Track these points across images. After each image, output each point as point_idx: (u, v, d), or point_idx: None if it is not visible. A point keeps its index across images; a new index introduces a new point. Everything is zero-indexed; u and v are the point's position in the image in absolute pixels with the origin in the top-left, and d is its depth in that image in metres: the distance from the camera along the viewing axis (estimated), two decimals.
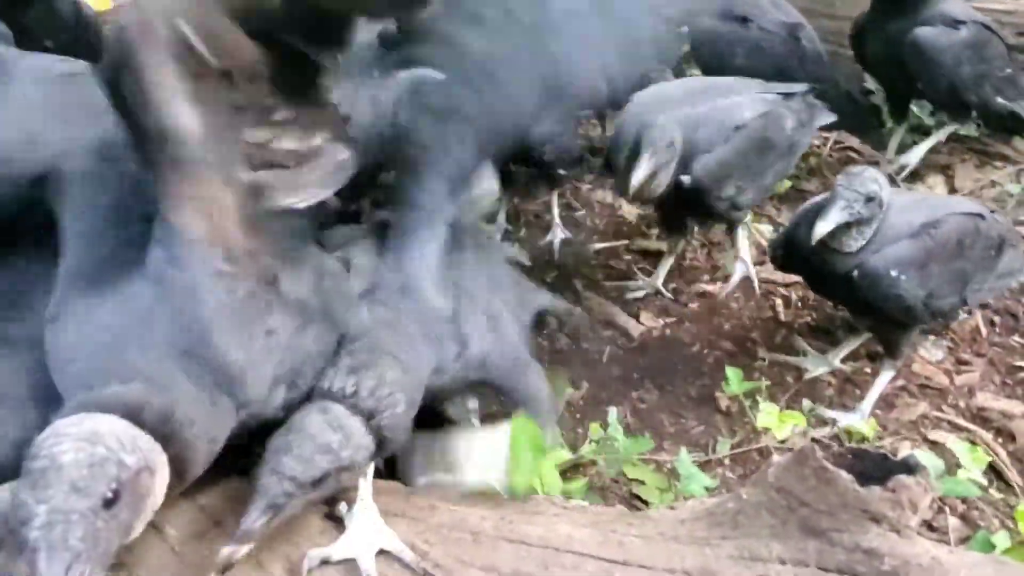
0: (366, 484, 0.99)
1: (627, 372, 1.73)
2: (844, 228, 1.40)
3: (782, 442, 1.52)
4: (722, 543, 0.97)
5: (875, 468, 0.95)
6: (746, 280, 1.87)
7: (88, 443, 0.74)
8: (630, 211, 2.17)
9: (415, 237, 1.08)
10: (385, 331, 1.01)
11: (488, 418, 1.26)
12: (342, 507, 0.98)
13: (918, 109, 2.33)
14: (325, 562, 0.93)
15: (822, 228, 1.38)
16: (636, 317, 1.84)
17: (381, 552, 0.95)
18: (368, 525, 0.96)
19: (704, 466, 1.50)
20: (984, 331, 1.79)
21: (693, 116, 1.66)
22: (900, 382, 1.65)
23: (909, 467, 0.92)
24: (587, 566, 0.95)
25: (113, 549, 0.74)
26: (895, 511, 0.88)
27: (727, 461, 1.52)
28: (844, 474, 0.90)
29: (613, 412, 1.47)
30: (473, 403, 1.24)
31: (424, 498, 1.06)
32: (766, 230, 2.03)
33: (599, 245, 2.07)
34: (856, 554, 0.88)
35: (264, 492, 0.87)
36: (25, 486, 0.72)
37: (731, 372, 1.56)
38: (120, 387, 0.80)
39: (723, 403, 1.63)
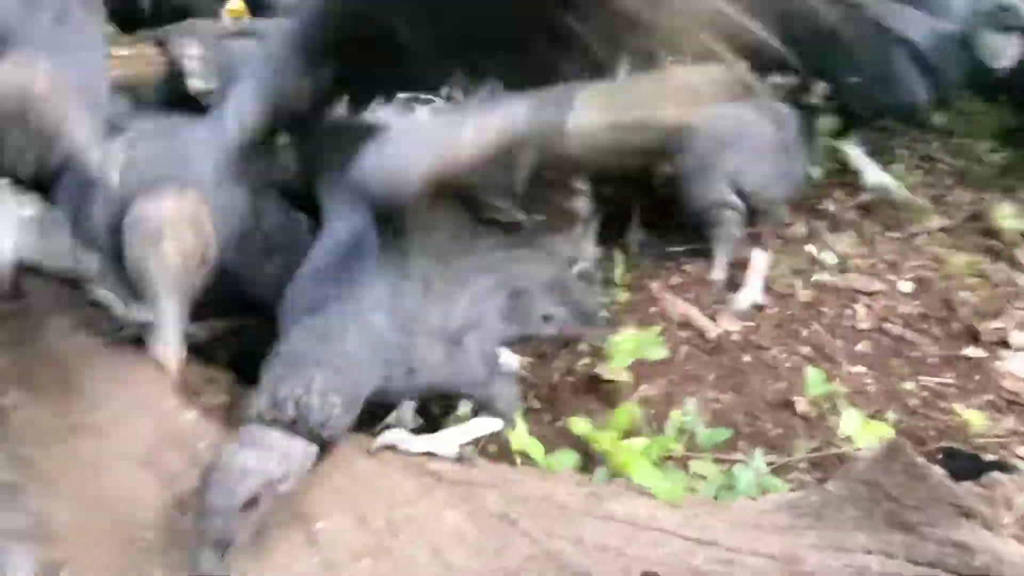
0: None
1: (702, 372, 1.74)
2: None
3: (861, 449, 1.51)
4: (806, 533, 0.98)
5: (967, 467, 0.95)
6: (827, 286, 1.87)
7: None
8: None
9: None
10: (313, 340, 1.03)
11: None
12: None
13: None
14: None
15: None
16: (713, 319, 1.85)
17: None
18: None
19: (780, 469, 1.50)
20: None
21: None
22: (987, 396, 1.61)
23: (1003, 466, 0.92)
24: (671, 544, 0.97)
25: None
26: (989, 508, 0.88)
27: (804, 465, 1.52)
28: (936, 469, 0.91)
29: (692, 403, 1.48)
30: (410, 411, 1.27)
31: (512, 471, 1.11)
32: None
33: (679, 248, 2.08)
34: (946, 548, 0.89)
35: (204, 536, 0.89)
36: None
37: (812, 373, 1.55)
38: None
39: (801, 407, 1.62)
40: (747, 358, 1.77)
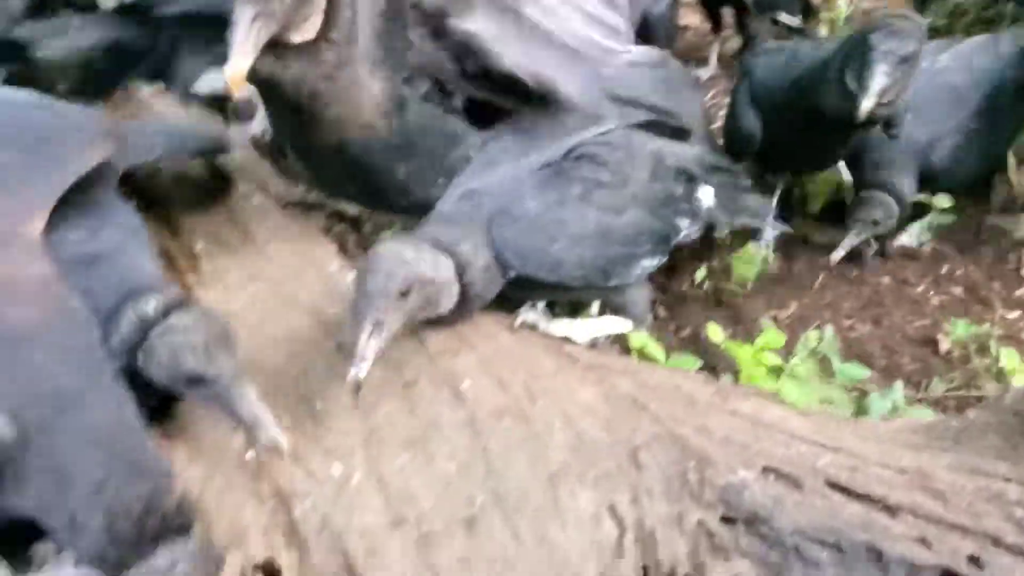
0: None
1: (839, 301, 1.70)
2: None
3: None
4: (941, 454, 0.97)
5: None
6: (991, 228, 1.74)
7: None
8: None
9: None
10: (466, 210, 1.13)
11: None
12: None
13: None
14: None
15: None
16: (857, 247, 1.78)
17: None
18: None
19: (915, 404, 1.46)
20: None
21: None
22: None
23: None
24: (797, 446, 0.99)
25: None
26: None
27: (941, 403, 1.47)
28: None
29: (829, 330, 1.45)
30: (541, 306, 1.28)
31: (643, 363, 1.15)
32: None
33: None
34: None
35: (361, 313, 0.97)
36: None
37: (958, 320, 1.48)
38: None
39: (944, 346, 1.56)
40: (890, 292, 1.70)
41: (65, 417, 0.85)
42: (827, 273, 1.74)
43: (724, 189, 1.37)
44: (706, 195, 1.31)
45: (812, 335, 1.44)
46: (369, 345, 0.96)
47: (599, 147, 1.21)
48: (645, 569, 0.94)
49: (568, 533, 0.93)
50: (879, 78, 1.29)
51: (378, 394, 1.05)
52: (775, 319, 1.63)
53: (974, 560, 0.88)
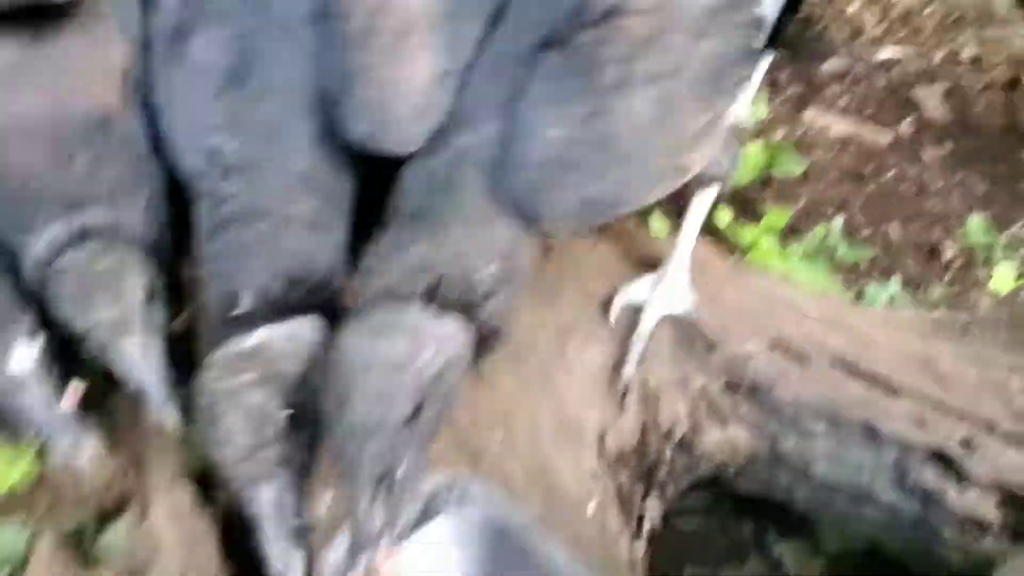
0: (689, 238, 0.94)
1: (849, 198, 1.67)
2: None
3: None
4: (946, 342, 0.98)
5: None
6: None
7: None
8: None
9: None
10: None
11: None
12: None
13: None
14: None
15: None
16: (880, 137, 1.74)
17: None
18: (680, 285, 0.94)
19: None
20: None
21: None
22: None
23: None
24: (807, 324, 0.99)
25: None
26: None
27: (936, 308, 1.48)
28: None
29: (839, 221, 1.44)
30: None
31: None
32: None
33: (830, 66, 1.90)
34: None
35: (355, 472, 0.57)
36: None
37: (975, 220, 1.47)
38: None
39: (948, 254, 1.56)
40: (903, 193, 1.68)
41: None
42: (838, 170, 1.71)
43: None
44: None
45: (819, 229, 1.42)
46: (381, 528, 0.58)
47: None
48: (644, 426, 0.95)
49: (573, 385, 0.93)
50: None
51: None
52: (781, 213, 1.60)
53: (965, 443, 0.90)
